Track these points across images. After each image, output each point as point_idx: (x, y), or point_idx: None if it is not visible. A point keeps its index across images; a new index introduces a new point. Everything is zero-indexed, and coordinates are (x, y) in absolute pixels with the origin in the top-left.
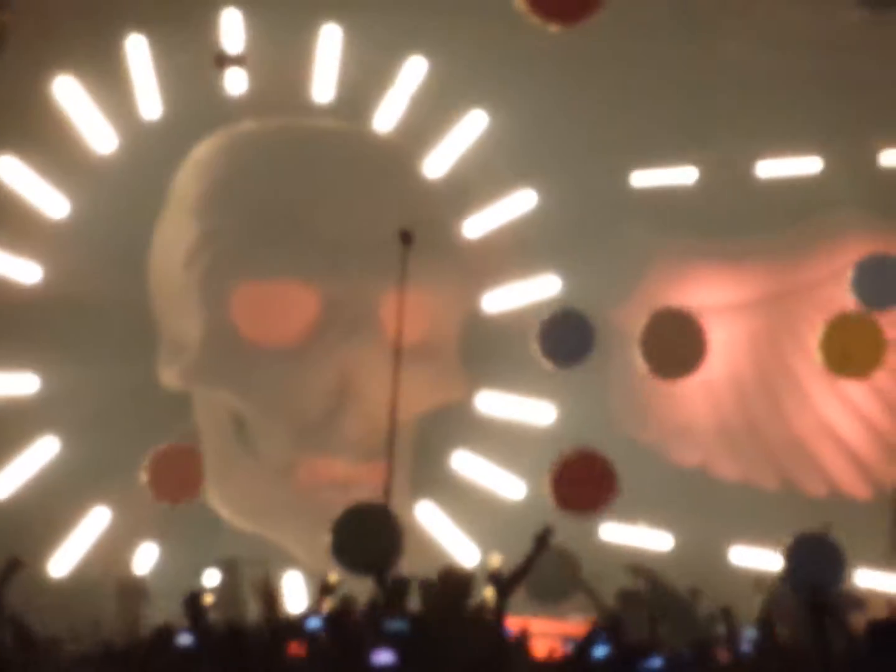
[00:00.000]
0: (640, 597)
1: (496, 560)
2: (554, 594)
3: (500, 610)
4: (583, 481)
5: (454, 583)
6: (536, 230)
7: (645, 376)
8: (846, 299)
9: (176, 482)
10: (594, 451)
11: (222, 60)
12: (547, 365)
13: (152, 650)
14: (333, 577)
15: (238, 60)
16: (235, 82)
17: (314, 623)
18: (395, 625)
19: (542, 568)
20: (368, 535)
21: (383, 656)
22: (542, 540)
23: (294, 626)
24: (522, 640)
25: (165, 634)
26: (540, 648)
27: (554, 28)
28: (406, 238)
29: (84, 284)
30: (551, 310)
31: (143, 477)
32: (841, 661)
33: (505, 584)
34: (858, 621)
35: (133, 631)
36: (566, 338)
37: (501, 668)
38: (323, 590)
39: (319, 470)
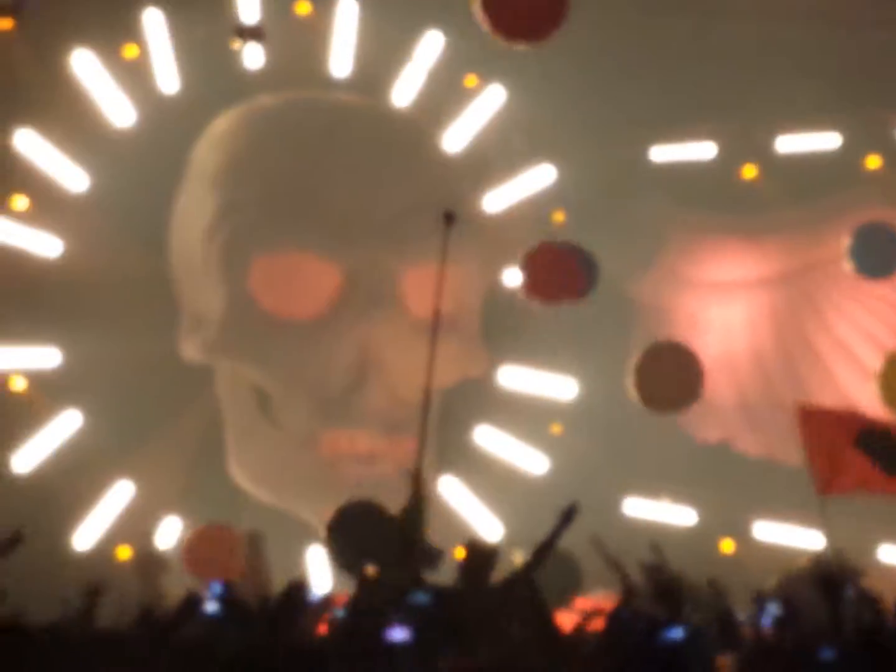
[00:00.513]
0: (663, 570)
1: (519, 557)
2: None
3: (529, 583)
4: (553, 271)
5: (478, 556)
6: (555, 204)
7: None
8: None
9: (213, 564)
10: (567, 245)
11: (241, 34)
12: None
13: (180, 617)
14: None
15: (257, 34)
16: (253, 56)
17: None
18: (419, 597)
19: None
20: (365, 538)
21: (398, 633)
22: (567, 515)
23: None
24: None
25: (193, 602)
26: (564, 623)
27: (520, 46)
28: (449, 218)
29: (105, 258)
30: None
31: (181, 555)
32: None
33: (530, 559)
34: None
35: (153, 604)
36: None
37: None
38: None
39: (341, 443)
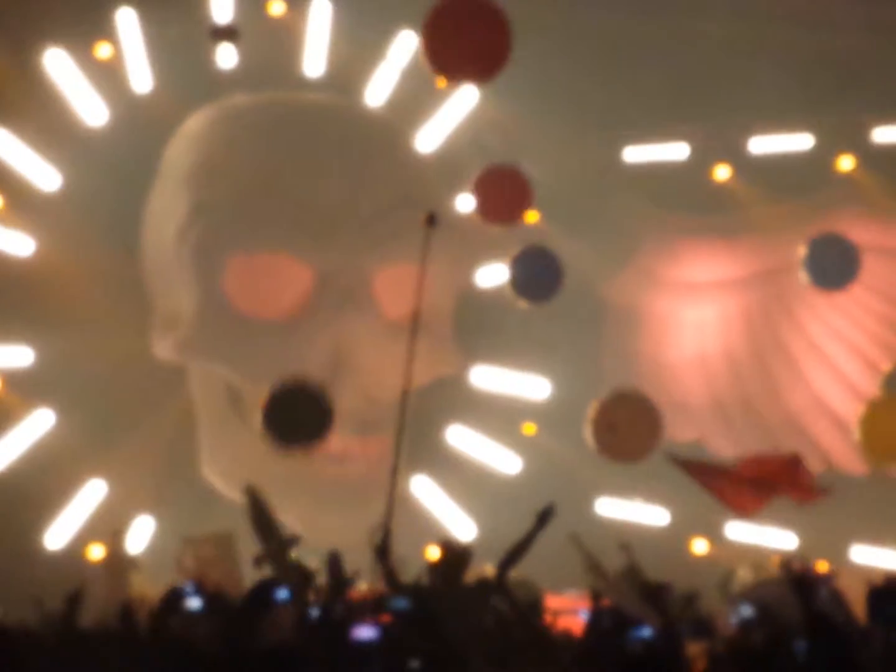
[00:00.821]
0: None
1: (490, 570)
2: None
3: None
4: (500, 193)
5: (451, 557)
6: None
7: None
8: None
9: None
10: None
11: (216, 34)
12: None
13: (163, 611)
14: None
15: (230, 34)
16: (226, 56)
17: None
18: (398, 602)
19: None
20: (299, 414)
21: (366, 632)
22: (544, 516)
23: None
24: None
25: (175, 597)
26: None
27: (468, 83)
28: (431, 220)
29: (77, 257)
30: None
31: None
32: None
33: (505, 560)
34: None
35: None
36: (536, 274)
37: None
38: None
39: None
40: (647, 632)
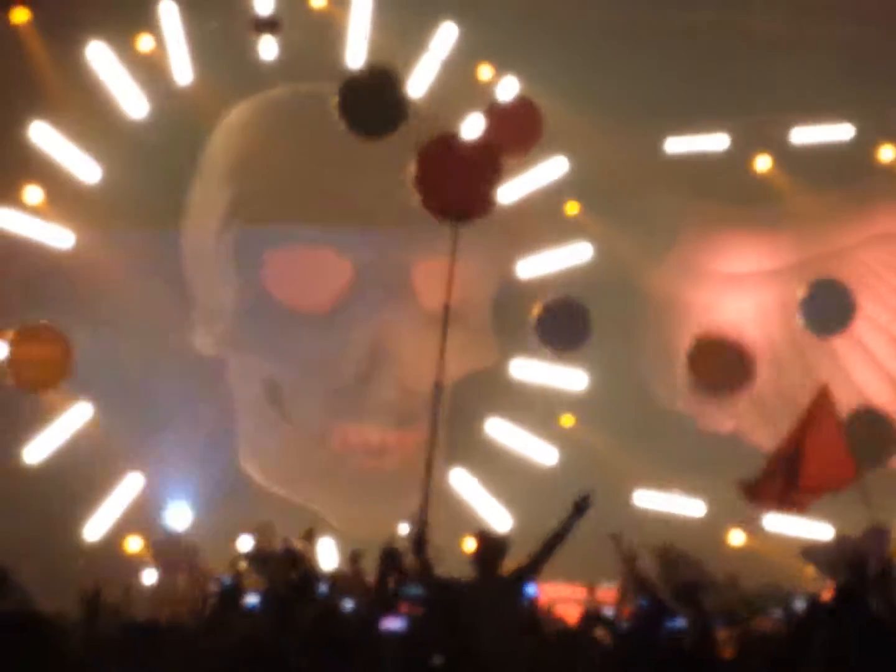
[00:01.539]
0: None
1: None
2: None
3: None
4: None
5: (488, 548)
6: (569, 196)
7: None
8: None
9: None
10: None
11: (258, 26)
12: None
13: (220, 609)
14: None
15: (272, 26)
16: (268, 48)
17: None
18: (411, 590)
19: None
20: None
21: (393, 622)
22: (581, 506)
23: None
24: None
25: (233, 593)
26: (571, 614)
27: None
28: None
29: (117, 250)
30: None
31: None
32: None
33: (539, 552)
34: None
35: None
36: (563, 325)
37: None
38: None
39: (352, 436)
40: (679, 623)
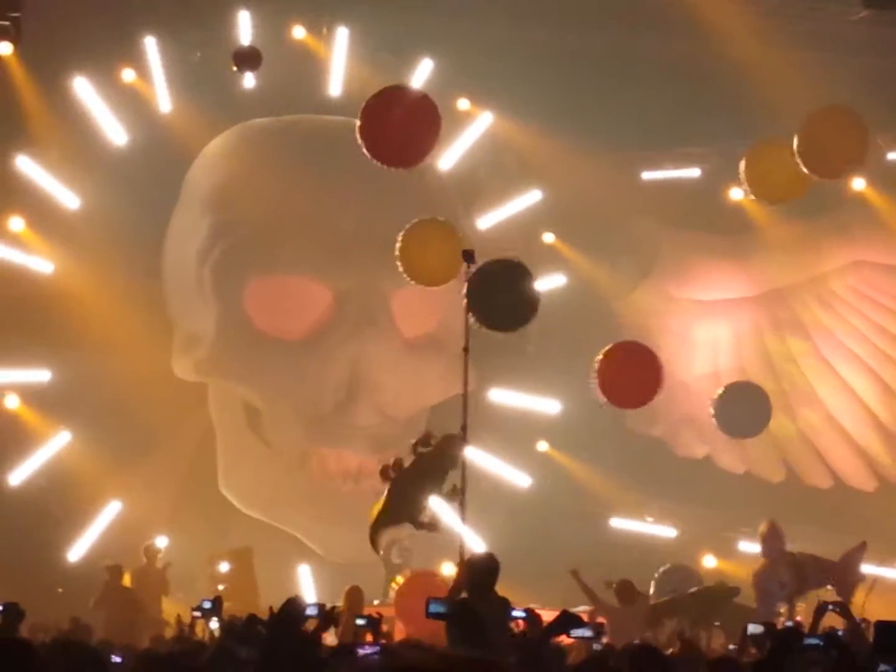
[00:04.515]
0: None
1: None
2: None
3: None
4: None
5: (480, 571)
6: (545, 226)
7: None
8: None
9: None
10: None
11: (238, 58)
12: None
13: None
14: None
15: (253, 59)
16: (248, 79)
17: None
18: (434, 606)
19: None
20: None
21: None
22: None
23: None
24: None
25: (293, 610)
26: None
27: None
28: (468, 257)
29: (96, 277)
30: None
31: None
32: None
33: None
34: None
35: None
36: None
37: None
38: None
39: (330, 462)
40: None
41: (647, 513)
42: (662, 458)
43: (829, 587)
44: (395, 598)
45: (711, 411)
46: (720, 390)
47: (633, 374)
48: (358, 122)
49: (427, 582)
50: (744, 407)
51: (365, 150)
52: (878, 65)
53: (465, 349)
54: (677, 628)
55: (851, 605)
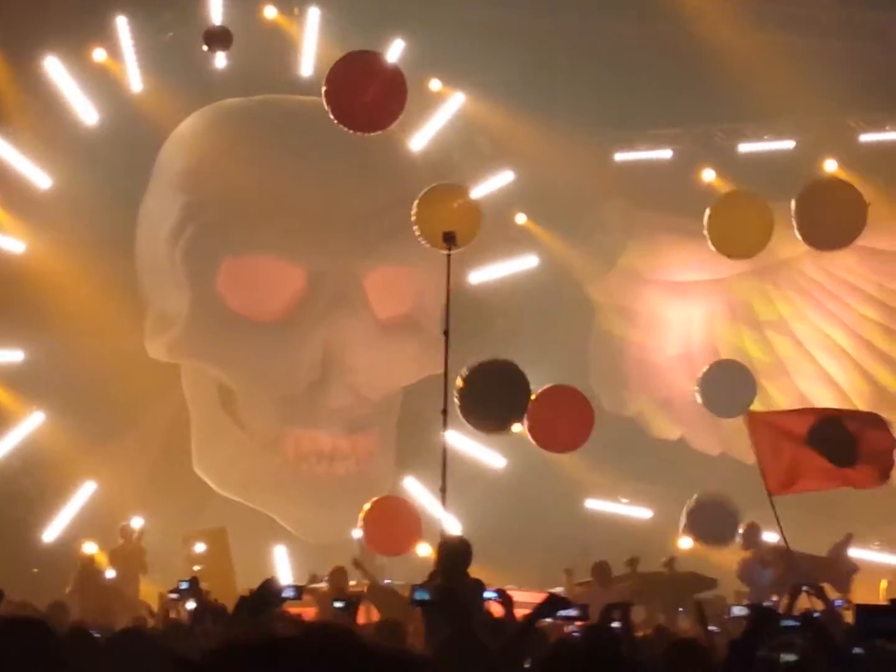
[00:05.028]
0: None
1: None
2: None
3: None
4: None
5: (453, 552)
6: (517, 207)
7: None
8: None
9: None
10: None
11: (209, 38)
12: None
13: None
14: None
15: (224, 38)
16: (219, 60)
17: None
18: (419, 594)
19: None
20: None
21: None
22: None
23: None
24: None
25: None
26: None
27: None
28: (448, 238)
29: (68, 257)
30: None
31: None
32: None
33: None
34: None
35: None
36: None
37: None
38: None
39: (304, 442)
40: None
41: (621, 494)
42: (637, 440)
43: (824, 584)
44: (361, 522)
45: (696, 388)
46: (705, 368)
47: (565, 419)
48: (324, 88)
49: (393, 504)
50: (729, 385)
51: (330, 114)
52: (851, 47)
53: (446, 333)
54: (650, 611)
55: (850, 596)
